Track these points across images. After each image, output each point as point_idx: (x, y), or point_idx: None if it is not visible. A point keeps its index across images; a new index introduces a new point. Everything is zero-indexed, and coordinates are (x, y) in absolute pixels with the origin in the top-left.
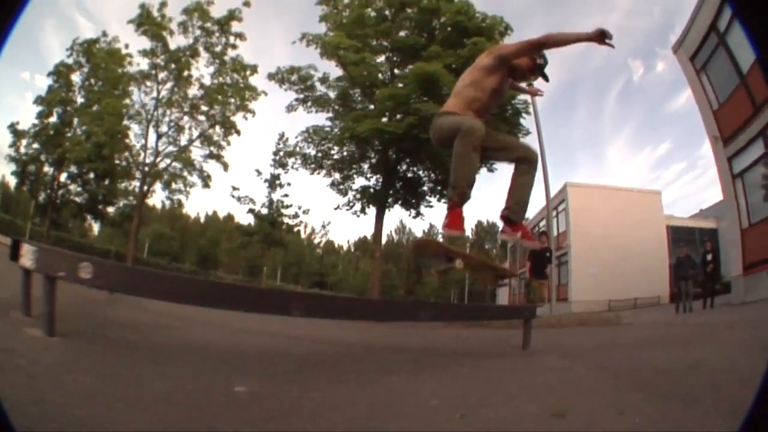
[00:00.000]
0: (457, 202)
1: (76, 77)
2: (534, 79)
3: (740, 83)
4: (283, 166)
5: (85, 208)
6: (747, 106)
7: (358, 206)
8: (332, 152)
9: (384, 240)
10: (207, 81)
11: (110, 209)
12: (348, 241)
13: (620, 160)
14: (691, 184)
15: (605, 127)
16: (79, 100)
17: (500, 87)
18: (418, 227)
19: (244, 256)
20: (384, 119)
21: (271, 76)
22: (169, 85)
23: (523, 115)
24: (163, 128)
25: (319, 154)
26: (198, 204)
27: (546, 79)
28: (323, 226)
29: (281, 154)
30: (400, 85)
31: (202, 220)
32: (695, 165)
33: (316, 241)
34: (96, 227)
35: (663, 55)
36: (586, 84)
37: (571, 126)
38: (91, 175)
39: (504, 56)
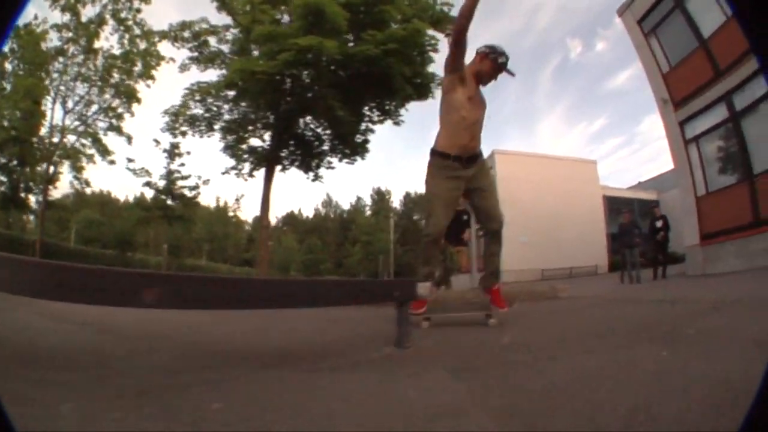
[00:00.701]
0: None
1: (8, 65)
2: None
3: (699, 47)
4: (172, 130)
5: (9, 199)
6: (706, 70)
7: (247, 168)
8: (222, 111)
9: (311, 214)
10: (115, 51)
11: (31, 197)
12: (276, 217)
13: (553, 134)
14: (628, 158)
15: (539, 103)
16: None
17: (473, 95)
18: (344, 198)
19: (164, 235)
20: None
21: (163, 35)
22: (79, 58)
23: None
24: (69, 104)
25: (207, 114)
26: (128, 186)
27: (511, 73)
28: (237, 200)
29: (169, 117)
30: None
31: (132, 201)
32: (632, 140)
33: (230, 214)
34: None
35: (603, 36)
36: (521, 60)
37: (503, 100)
38: (14, 163)
39: (447, 65)
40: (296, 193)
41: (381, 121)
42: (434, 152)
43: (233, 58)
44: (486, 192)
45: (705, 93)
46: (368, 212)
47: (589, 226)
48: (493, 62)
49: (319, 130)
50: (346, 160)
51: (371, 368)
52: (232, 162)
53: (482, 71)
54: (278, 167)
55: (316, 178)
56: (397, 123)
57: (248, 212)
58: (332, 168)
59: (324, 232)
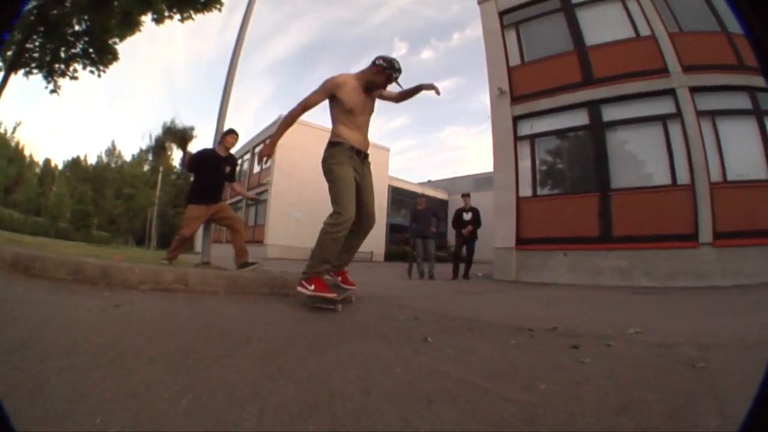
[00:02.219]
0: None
1: None
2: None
3: (573, 51)
4: None
5: None
6: (574, 73)
7: None
8: None
9: (93, 160)
10: None
11: None
12: (63, 161)
13: None
14: (419, 160)
15: None
16: None
17: (365, 100)
18: (129, 148)
19: None
20: None
21: None
22: None
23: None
24: None
25: None
26: None
27: (399, 86)
28: (15, 128)
29: None
30: None
31: None
32: (428, 145)
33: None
34: None
35: (434, 46)
36: (340, 46)
37: (305, 80)
38: None
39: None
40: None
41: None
42: (336, 143)
43: None
44: (368, 190)
45: (562, 95)
46: (147, 168)
47: None
48: (388, 78)
49: (79, 23)
50: (90, 68)
51: None
52: None
53: (375, 82)
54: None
55: (55, 89)
56: (157, 20)
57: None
58: (75, 78)
59: (102, 182)
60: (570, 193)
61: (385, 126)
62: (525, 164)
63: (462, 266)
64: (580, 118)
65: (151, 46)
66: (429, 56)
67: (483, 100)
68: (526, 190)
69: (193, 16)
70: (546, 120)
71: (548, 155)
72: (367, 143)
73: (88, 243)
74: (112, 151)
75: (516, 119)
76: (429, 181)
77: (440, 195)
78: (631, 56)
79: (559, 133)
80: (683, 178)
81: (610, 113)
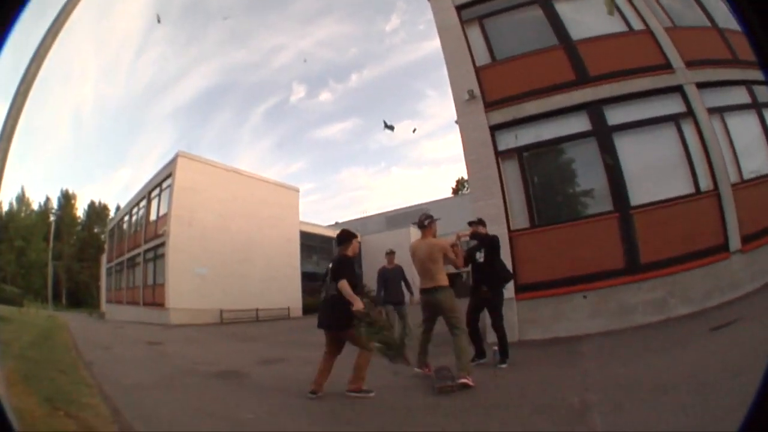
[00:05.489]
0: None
1: None
2: None
3: (560, 46)
4: None
5: None
6: (565, 71)
7: None
8: None
9: (5, 208)
10: None
11: None
12: None
13: (249, 169)
14: (319, 203)
15: (243, 137)
16: None
17: None
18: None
19: None
20: None
21: None
22: None
23: None
24: None
25: None
26: None
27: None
28: None
29: None
30: None
31: None
32: (328, 188)
33: None
34: None
35: (333, 88)
36: (240, 92)
37: (207, 128)
38: None
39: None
40: None
41: None
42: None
43: None
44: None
45: (553, 96)
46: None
47: (283, 261)
48: None
49: None
50: None
51: None
52: None
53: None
54: None
55: None
56: None
57: None
58: None
59: (13, 232)
60: (581, 217)
61: (283, 172)
62: (515, 186)
63: (477, 340)
64: (580, 124)
65: (65, 88)
66: (327, 98)
67: (380, 139)
68: (520, 221)
69: None
70: (534, 128)
71: (544, 172)
72: None
73: None
74: (21, 198)
75: (494, 129)
76: (337, 223)
77: None
78: (628, 51)
79: (555, 143)
80: (705, 183)
81: (615, 116)
